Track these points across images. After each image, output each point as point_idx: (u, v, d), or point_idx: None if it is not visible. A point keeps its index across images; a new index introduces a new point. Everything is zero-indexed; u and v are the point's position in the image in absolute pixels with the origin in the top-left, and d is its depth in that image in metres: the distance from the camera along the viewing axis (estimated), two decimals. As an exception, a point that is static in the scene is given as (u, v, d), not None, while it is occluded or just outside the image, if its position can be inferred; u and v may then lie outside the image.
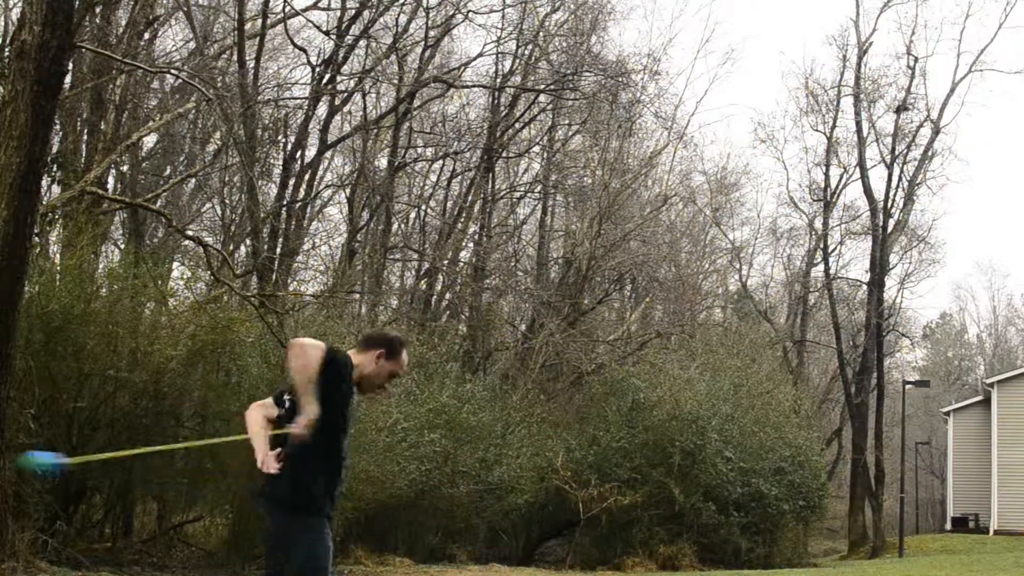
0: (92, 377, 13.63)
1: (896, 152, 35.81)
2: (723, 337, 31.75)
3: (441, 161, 29.91)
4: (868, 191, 36.09)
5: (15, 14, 18.30)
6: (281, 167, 23.85)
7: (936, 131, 35.84)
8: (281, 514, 5.02)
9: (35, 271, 12.94)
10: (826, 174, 37.36)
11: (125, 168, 21.33)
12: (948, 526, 37.80)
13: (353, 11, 24.48)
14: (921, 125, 36.04)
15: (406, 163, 27.90)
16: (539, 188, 30.98)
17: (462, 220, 29.25)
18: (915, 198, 36.54)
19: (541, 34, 27.82)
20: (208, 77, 20.28)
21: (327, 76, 24.02)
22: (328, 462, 5.03)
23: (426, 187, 31.79)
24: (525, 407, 22.95)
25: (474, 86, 28.47)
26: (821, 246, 38.20)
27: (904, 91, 35.75)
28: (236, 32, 22.43)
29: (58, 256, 15.29)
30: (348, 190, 27.56)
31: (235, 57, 23.04)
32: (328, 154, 26.77)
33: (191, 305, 16.15)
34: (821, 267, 38.98)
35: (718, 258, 42.74)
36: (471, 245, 29.20)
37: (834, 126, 36.82)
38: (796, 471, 24.73)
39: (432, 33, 26.09)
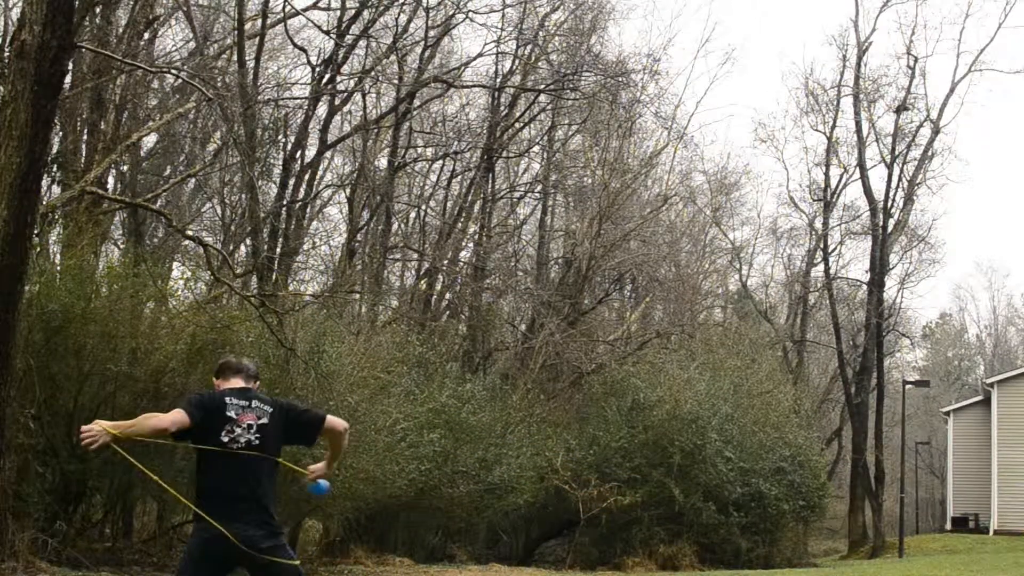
0: (92, 377, 13.62)
1: (896, 152, 35.88)
2: (723, 337, 31.76)
3: (441, 161, 29.91)
4: (868, 191, 36.15)
5: (15, 14, 18.30)
6: (281, 167, 23.84)
7: (936, 131, 35.89)
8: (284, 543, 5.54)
9: (35, 271, 12.93)
10: (826, 174, 37.44)
11: (125, 168, 21.33)
12: (948, 526, 37.80)
13: (353, 11, 24.46)
14: (921, 125, 36.14)
15: (406, 163, 27.89)
16: (539, 188, 30.99)
17: (462, 220, 29.23)
18: (915, 198, 36.61)
19: (541, 34, 27.80)
20: (208, 77, 20.27)
21: (327, 76, 24.00)
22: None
23: (426, 187, 31.79)
24: (525, 407, 22.95)
25: (474, 86, 28.47)
26: (821, 246, 38.22)
27: (904, 91, 35.86)
28: (236, 32, 22.41)
29: (58, 256, 15.28)
30: (348, 190, 27.54)
31: (235, 57, 23.03)
32: (328, 154, 26.76)
33: (191, 305, 16.14)
34: (821, 267, 39.07)
35: (718, 258, 42.77)
36: (471, 245, 29.20)
37: (834, 126, 36.92)
38: (796, 471, 24.73)
39: (432, 33, 26.08)
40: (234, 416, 5.48)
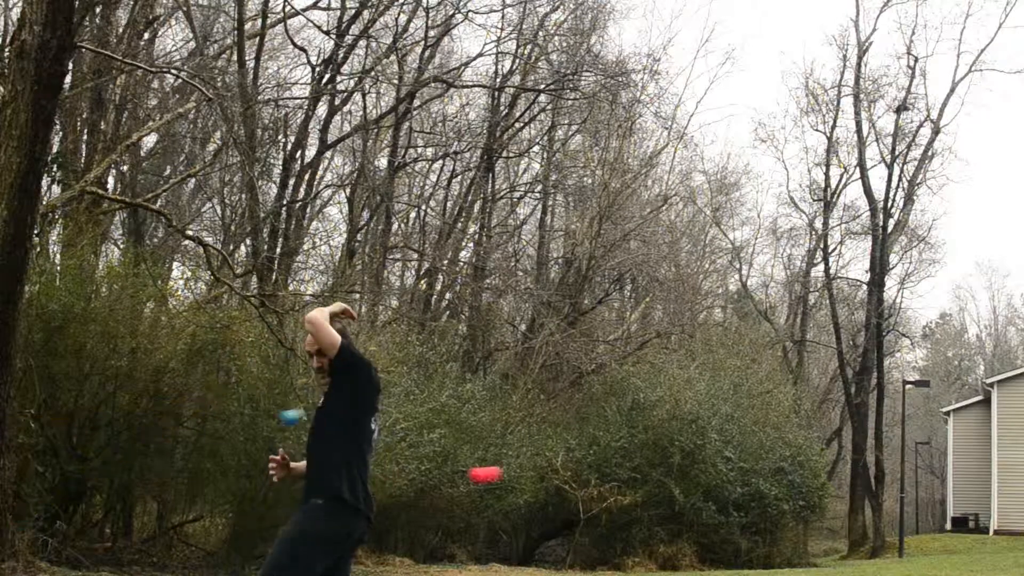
0: (92, 377, 13.63)
1: (896, 152, 35.87)
2: (723, 337, 31.75)
3: (441, 161, 29.91)
4: (868, 191, 36.15)
5: (15, 14, 18.31)
6: (281, 167, 23.83)
7: (936, 131, 35.89)
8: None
9: (35, 271, 12.93)
10: (826, 174, 37.43)
11: (125, 168, 21.32)
12: (948, 526, 37.81)
13: (353, 11, 24.45)
14: (921, 125, 36.14)
15: (406, 163, 27.89)
16: (539, 188, 30.97)
17: (462, 220, 29.24)
18: (915, 198, 36.60)
19: (541, 34, 27.81)
20: (208, 77, 20.26)
21: (327, 76, 23.99)
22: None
23: (426, 187, 31.79)
24: (525, 407, 22.95)
25: (474, 86, 28.46)
26: (821, 246, 38.23)
27: (904, 91, 35.85)
28: (236, 32, 22.41)
29: (58, 256, 15.28)
30: (348, 190, 27.54)
31: (235, 57, 23.02)
32: (328, 154, 26.74)
33: (191, 305, 16.15)
34: (821, 267, 39.06)
35: (718, 258, 42.77)
36: (471, 245, 29.21)
37: (834, 126, 36.91)
38: (796, 471, 24.72)
39: (432, 33, 26.08)
40: (380, 410, 5.22)
